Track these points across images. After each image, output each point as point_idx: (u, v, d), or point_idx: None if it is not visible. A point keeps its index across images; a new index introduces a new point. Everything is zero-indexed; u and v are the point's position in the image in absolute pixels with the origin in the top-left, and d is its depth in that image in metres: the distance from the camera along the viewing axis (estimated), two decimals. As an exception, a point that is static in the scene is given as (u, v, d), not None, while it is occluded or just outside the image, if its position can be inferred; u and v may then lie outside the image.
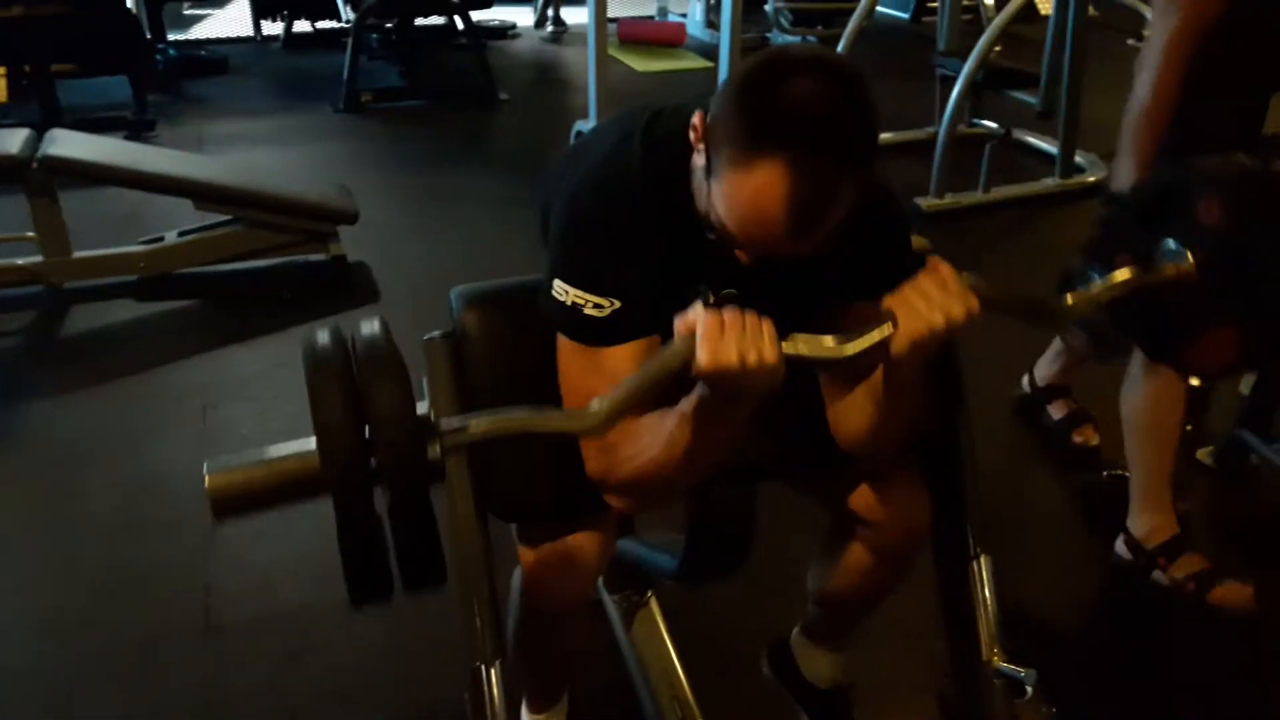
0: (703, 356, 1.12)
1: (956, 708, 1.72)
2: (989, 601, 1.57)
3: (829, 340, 1.20)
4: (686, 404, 1.23)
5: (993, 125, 4.83)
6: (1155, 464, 2.34)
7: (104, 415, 2.96)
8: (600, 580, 2.12)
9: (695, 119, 1.24)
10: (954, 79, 4.38)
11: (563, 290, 1.33)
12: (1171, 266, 1.36)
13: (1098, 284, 1.36)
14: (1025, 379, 2.94)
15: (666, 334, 1.28)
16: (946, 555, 1.64)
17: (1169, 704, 2.10)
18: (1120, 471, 2.61)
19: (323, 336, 1.13)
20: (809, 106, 1.13)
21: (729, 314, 1.13)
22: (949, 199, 4.31)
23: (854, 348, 1.20)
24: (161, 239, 3.66)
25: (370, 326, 1.15)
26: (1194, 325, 1.41)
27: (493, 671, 1.38)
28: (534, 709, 1.83)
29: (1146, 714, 2.08)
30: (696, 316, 1.14)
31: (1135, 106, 2.02)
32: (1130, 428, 2.36)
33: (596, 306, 1.31)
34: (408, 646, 2.15)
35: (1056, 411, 2.87)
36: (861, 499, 1.57)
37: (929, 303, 1.20)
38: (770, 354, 1.13)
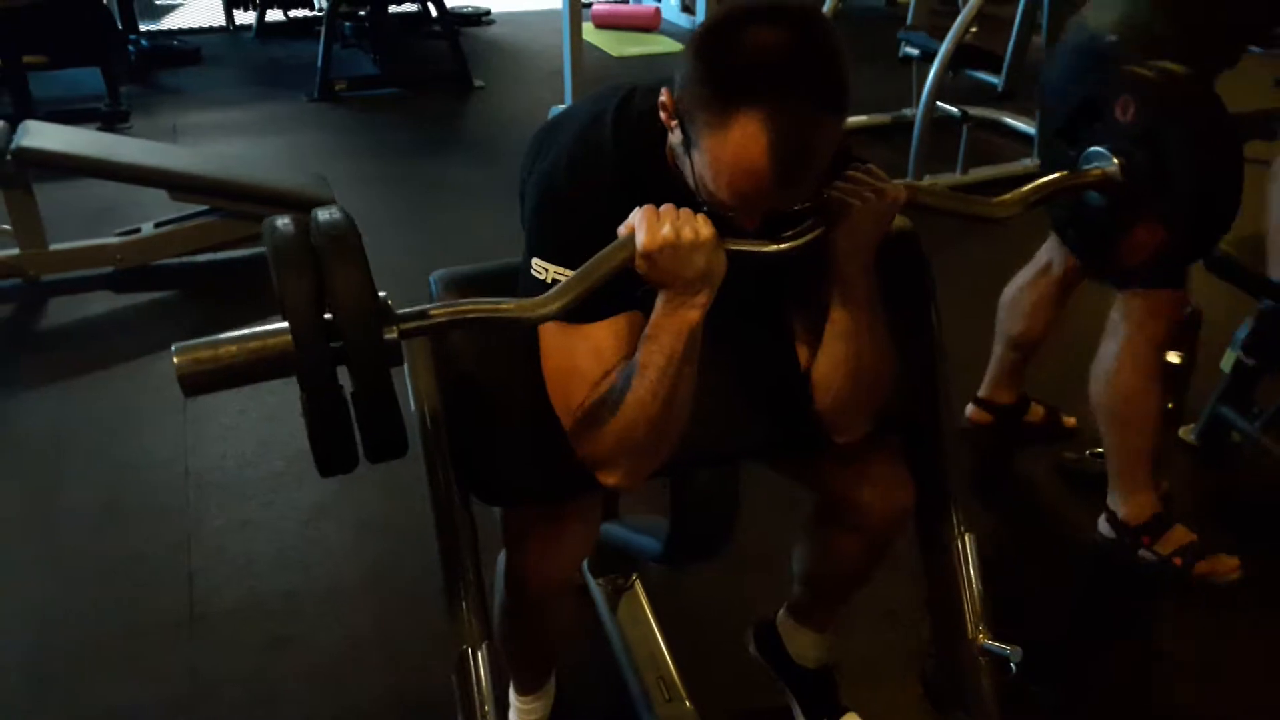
0: (641, 237, 1.18)
1: (942, 686, 1.73)
2: (973, 580, 1.58)
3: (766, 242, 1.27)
4: (648, 328, 1.26)
5: (950, 108, 4.46)
6: (1130, 446, 2.32)
7: (83, 407, 2.94)
8: (585, 564, 2.13)
9: (663, 96, 1.23)
10: (916, 58, 4.37)
11: (542, 268, 1.32)
12: (1097, 170, 1.42)
13: (1026, 187, 1.43)
14: (974, 409, 2.75)
15: (645, 310, 1.27)
16: (930, 535, 1.64)
17: (1156, 678, 2.12)
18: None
19: (283, 221, 1.18)
20: (770, 55, 1.12)
21: (664, 206, 1.20)
22: (927, 181, 4.30)
23: (790, 243, 1.27)
24: (138, 230, 3.63)
25: (330, 212, 1.20)
26: (1120, 224, 1.45)
27: (479, 655, 1.38)
28: (521, 692, 1.83)
29: (1133, 689, 2.10)
30: (634, 214, 1.21)
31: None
32: (1101, 411, 2.34)
33: None
34: (394, 632, 2.15)
35: (1034, 417, 2.79)
36: (844, 480, 1.58)
37: (858, 185, 1.28)
38: (705, 230, 1.19)
